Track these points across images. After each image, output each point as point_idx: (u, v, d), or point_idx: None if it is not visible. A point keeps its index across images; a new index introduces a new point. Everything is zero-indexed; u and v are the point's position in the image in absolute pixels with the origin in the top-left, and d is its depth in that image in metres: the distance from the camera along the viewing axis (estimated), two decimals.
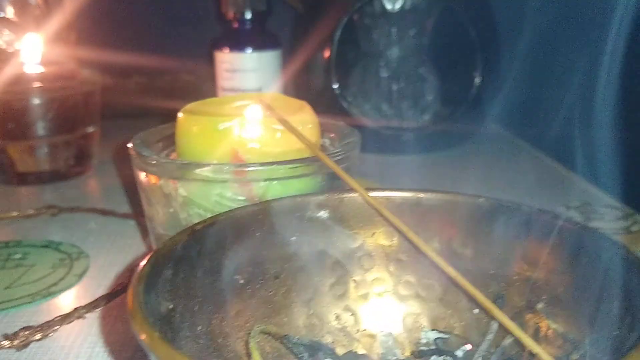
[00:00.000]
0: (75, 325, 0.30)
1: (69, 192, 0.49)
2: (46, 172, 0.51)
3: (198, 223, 0.23)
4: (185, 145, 0.30)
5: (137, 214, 0.42)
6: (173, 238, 0.22)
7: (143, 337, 0.17)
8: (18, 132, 0.49)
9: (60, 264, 0.36)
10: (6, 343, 0.27)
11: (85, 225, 0.42)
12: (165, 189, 0.29)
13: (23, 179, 0.50)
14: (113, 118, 0.60)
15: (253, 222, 0.24)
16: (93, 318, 0.30)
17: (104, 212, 0.43)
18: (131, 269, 0.34)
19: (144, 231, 0.40)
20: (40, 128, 0.50)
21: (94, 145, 0.53)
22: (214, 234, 0.23)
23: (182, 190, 0.28)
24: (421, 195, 0.26)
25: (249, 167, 0.28)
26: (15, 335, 0.27)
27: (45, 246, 0.39)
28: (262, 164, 0.28)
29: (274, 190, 0.29)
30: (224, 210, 0.28)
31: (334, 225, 0.25)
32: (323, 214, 0.25)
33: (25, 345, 0.27)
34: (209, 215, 0.28)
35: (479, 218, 0.25)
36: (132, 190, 0.48)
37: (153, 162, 0.29)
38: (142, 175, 0.30)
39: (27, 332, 0.27)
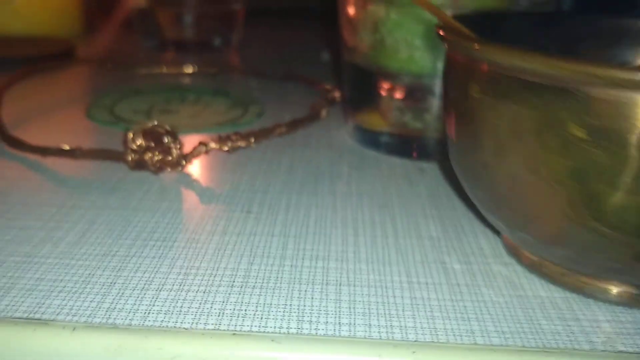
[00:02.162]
0: (276, 140, 0.30)
1: (217, 60, 0.50)
2: (191, 41, 0.52)
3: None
4: None
5: (295, 76, 0.42)
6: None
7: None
8: None
9: (234, 106, 0.37)
10: (217, 145, 0.28)
11: (246, 84, 0.43)
12: (377, 13, 0.29)
13: (170, 46, 0.51)
14: None
15: None
16: (290, 138, 0.31)
17: (262, 74, 0.44)
18: (316, 105, 0.34)
19: (307, 92, 0.40)
20: None
21: (239, 21, 0.54)
22: None
23: (394, 14, 0.28)
24: None
25: None
26: (227, 137, 0.28)
27: (216, 93, 0.40)
28: None
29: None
30: (430, 35, 0.28)
31: None
32: None
33: (233, 149, 0.28)
34: (415, 40, 0.29)
35: None
36: (280, 59, 0.49)
37: None
38: (351, 3, 0.30)
39: (235, 136, 0.28)
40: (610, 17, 0.26)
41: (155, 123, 0.27)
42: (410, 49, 0.29)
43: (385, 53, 0.29)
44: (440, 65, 0.29)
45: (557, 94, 0.16)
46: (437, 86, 0.29)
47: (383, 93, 0.31)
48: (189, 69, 0.44)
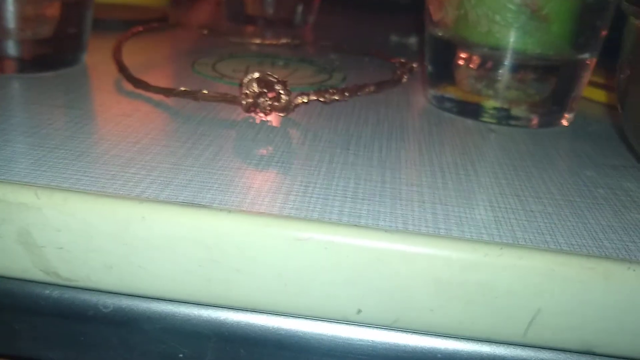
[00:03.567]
0: (354, 101, 0.35)
1: (295, 36, 0.54)
2: (271, 17, 0.56)
3: None
4: None
5: (370, 51, 0.47)
6: None
7: None
8: None
9: (319, 72, 0.41)
10: (315, 97, 0.32)
11: (327, 56, 0.47)
12: None
13: (250, 20, 0.56)
14: None
15: None
16: (368, 98, 0.36)
17: (340, 49, 0.48)
18: (398, 71, 0.38)
19: (381, 65, 0.44)
20: None
21: (316, 3, 0.58)
22: None
23: None
24: None
25: None
26: (326, 90, 0.32)
27: (301, 60, 0.44)
28: None
29: (552, 3, 0.32)
30: (510, 14, 0.32)
31: None
32: None
33: (329, 101, 0.32)
34: (496, 16, 0.33)
35: None
36: (351, 38, 0.53)
37: None
38: None
39: (332, 90, 0.32)
40: None
41: (269, 72, 0.31)
42: (490, 23, 0.33)
43: (467, 26, 0.33)
44: (519, 40, 0.33)
45: None
46: (511, 59, 0.33)
47: (461, 63, 0.35)
48: (275, 41, 0.48)
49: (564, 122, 0.36)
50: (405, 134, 0.31)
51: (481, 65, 0.34)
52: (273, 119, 0.32)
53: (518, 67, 0.34)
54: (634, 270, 0.20)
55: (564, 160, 0.30)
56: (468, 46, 0.34)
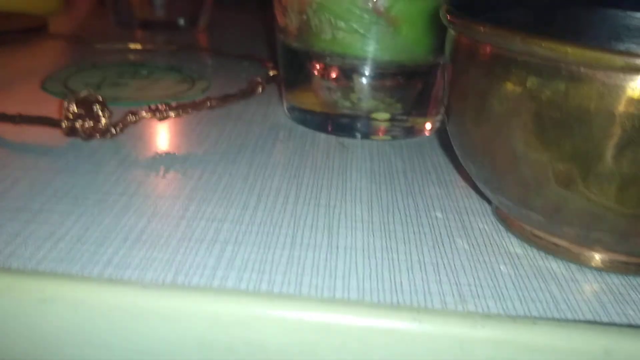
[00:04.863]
0: (206, 114, 0.32)
1: (182, 39, 0.51)
2: (161, 21, 0.53)
3: None
4: None
5: (251, 55, 0.44)
6: None
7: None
8: None
9: (183, 81, 0.39)
10: (147, 115, 0.29)
11: (203, 61, 0.44)
12: None
13: (140, 25, 0.53)
14: None
15: None
16: (220, 110, 0.33)
17: (220, 53, 0.45)
18: (252, 81, 0.36)
19: (258, 71, 0.42)
20: None
21: (208, 3, 0.55)
22: None
23: None
24: None
25: None
26: (156, 108, 0.29)
27: (168, 69, 0.41)
28: None
29: (400, 5, 0.30)
30: (353, 20, 0.29)
31: None
32: None
33: (164, 118, 0.30)
34: (339, 22, 0.30)
35: None
36: (246, 38, 0.51)
37: None
38: None
39: (165, 107, 0.30)
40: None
41: (87, 93, 0.29)
42: (334, 30, 0.30)
43: (311, 33, 0.31)
44: (365, 47, 0.30)
45: (552, 74, 0.18)
46: (362, 67, 0.31)
47: (315, 72, 0.32)
48: (148, 46, 0.45)
49: (426, 132, 0.33)
50: (240, 154, 0.29)
51: (334, 74, 0.32)
52: (97, 142, 0.29)
53: (372, 75, 0.31)
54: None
55: (404, 177, 0.28)
56: (316, 55, 0.32)
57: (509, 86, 0.19)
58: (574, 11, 0.28)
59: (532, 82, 0.19)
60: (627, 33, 0.29)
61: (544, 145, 0.19)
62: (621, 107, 0.18)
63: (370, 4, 0.29)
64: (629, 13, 0.28)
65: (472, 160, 0.23)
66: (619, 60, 0.17)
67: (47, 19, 0.51)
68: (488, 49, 0.20)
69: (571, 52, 0.17)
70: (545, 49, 0.18)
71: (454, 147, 0.24)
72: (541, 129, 0.19)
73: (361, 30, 0.30)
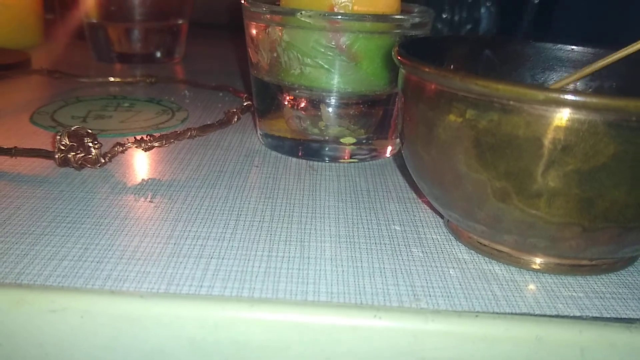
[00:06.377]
0: (186, 142, 0.35)
1: (160, 71, 0.54)
2: (139, 54, 0.56)
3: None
4: (290, 2, 0.35)
5: (225, 86, 0.47)
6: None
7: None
8: (118, 14, 0.55)
9: (163, 112, 0.42)
10: (133, 145, 0.32)
11: (180, 92, 0.47)
12: (272, 35, 0.34)
13: (118, 58, 0.56)
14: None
15: None
16: (200, 139, 0.36)
17: (197, 84, 0.48)
18: (229, 111, 0.39)
19: (233, 101, 0.45)
20: (137, 13, 0.55)
21: (183, 36, 0.58)
22: None
23: (286, 35, 0.33)
24: None
25: (340, 17, 0.33)
26: (141, 139, 0.32)
27: (149, 101, 0.44)
28: (353, 16, 0.33)
29: (360, 43, 0.33)
30: (319, 56, 0.33)
31: None
32: None
33: (149, 148, 0.33)
34: (306, 59, 0.33)
35: None
36: (219, 70, 0.54)
37: (263, 9, 0.34)
38: (253, 26, 0.35)
39: (150, 138, 0.33)
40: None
41: (78, 126, 0.31)
42: (301, 65, 0.34)
43: (281, 69, 0.34)
44: (330, 80, 0.34)
45: (487, 107, 0.21)
46: (328, 98, 0.34)
47: (286, 103, 0.36)
48: (128, 79, 0.48)
49: (387, 154, 0.37)
50: (220, 179, 0.32)
51: (303, 104, 0.35)
52: (88, 172, 0.32)
53: (338, 105, 0.35)
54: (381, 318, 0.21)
55: (367, 195, 0.31)
56: (286, 87, 0.35)
57: (452, 117, 0.23)
58: (512, 47, 0.32)
59: (470, 113, 0.22)
60: (560, 63, 0.33)
61: (483, 167, 0.23)
62: (545, 133, 0.21)
63: (333, 43, 0.33)
64: (560, 46, 0.32)
65: (424, 180, 0.26)
66: (541, 94, 0.21)
67: (29, 54, 0.54)
68: (433, 86, 0.23)
69: (501, 89, 0.21)
70: (480, 86, 0.21)
71: (409, 169, 0.27)
72: (480, 152, 0.22)
73: (326, 66, 0.33)
